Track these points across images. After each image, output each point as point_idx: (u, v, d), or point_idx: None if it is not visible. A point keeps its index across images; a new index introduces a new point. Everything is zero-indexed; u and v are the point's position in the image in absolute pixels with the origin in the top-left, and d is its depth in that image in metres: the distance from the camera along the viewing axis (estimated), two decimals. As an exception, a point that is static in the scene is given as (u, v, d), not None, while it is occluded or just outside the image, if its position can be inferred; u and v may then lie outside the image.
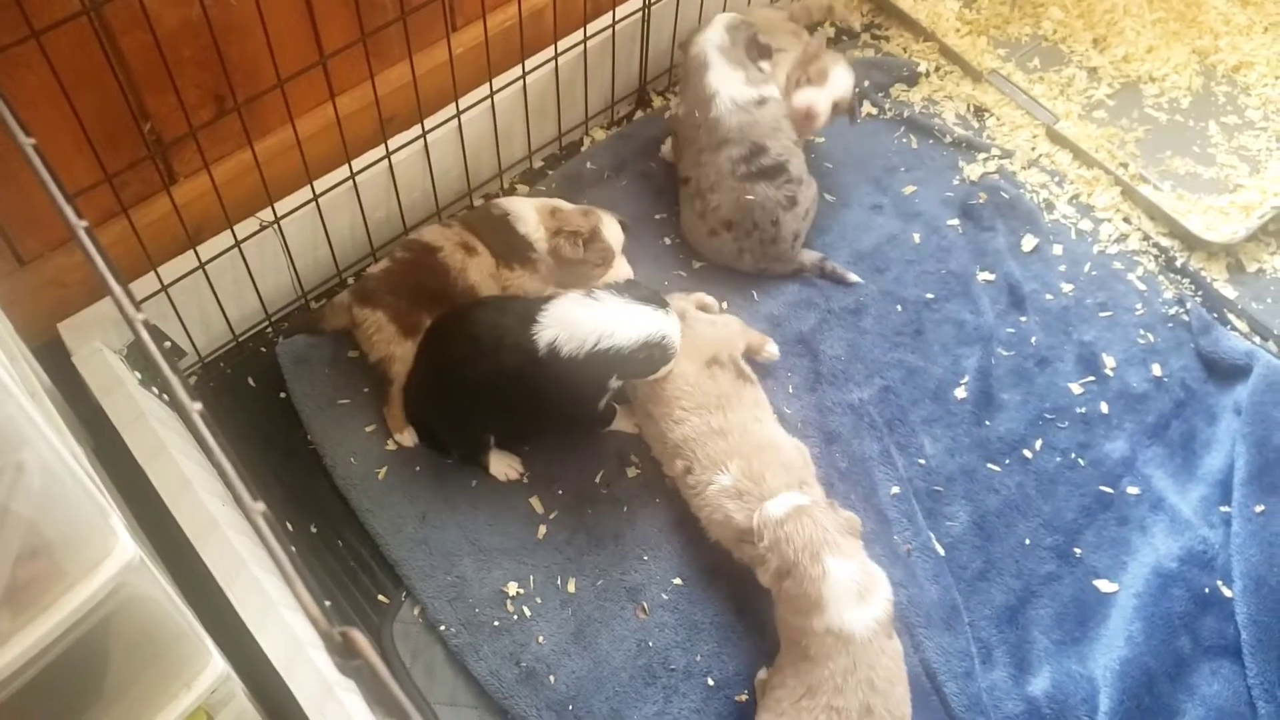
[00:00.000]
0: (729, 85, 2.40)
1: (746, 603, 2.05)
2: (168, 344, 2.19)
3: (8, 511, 1.06)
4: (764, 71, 2.48)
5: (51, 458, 1.09)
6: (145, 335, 0.71)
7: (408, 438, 2.21)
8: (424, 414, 2.20)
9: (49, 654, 1.18)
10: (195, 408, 0.70)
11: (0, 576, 1.10)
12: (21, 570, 1.12)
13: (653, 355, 1.98)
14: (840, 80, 2.52)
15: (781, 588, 1.82)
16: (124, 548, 1.20)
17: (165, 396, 2.12)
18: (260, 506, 0.66)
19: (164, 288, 2.06)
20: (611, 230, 2.29)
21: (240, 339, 2.34)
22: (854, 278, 2.48)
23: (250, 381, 2.31)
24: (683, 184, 2.49)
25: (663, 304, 2.00)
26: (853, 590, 1.77)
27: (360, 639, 0.58)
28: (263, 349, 2.35)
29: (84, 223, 0.80)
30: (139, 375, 2.08)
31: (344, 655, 0.58)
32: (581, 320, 1.97)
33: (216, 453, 0.68)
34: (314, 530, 2.15)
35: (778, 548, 1.80)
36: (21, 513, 1.08)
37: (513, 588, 2.05)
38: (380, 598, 2.08)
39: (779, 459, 2.02)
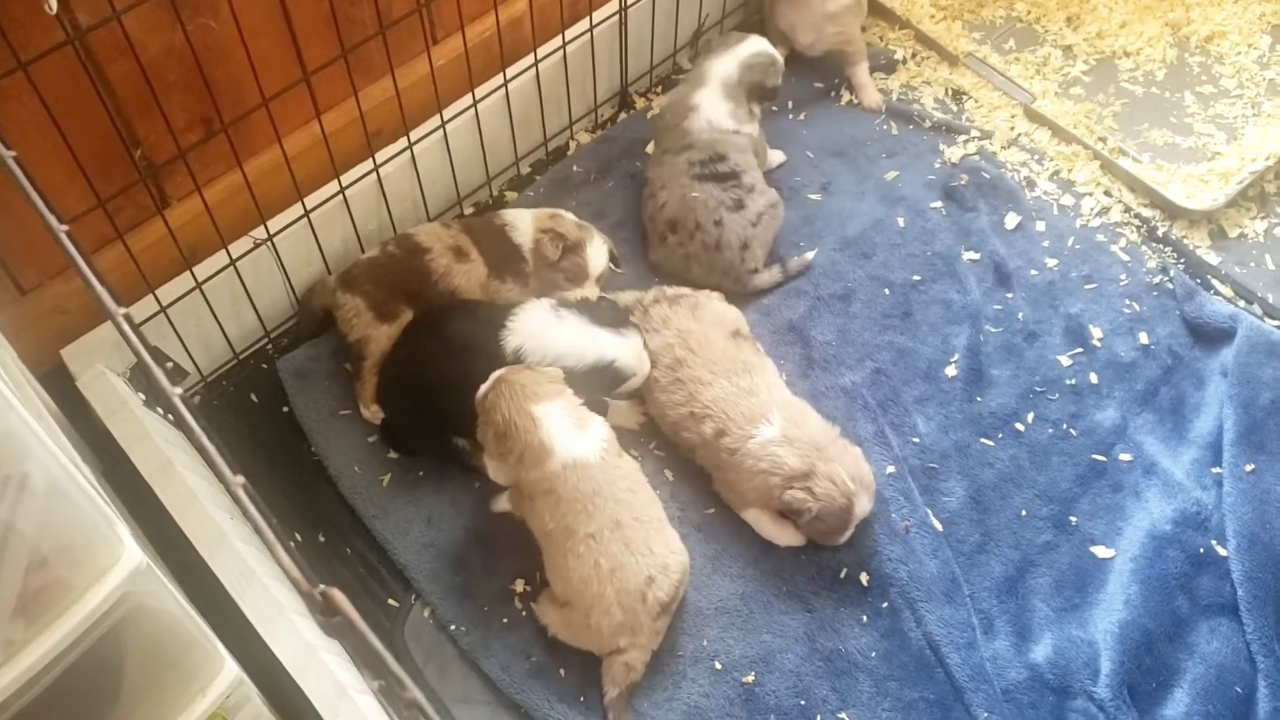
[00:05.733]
0: (712, 109, 2.48)
1: (750, 586, 2.09)
2: (169, 364, 2.22)
3: (14, 522, 1.10)
4: (754, 113, 2.54)
5: (55, 468, 1.13)
6: (109, 302, 0.74)
7: (374, 413, 2.28)
8: (392, 414, 2.25)
9: (64, 660, 1.22)
10: (176, 392, 0.74)
11: (12, 586, 1.14)
12: (32, 579, 1.15)
13: (604, 378, 2.08)
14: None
15: (509, 450, 1.95)
16: (130, 554, 1.24)
17: (170, 417, 2.17)
18: (240, 479, 0.70)
19: (163, 309, 2.11)
20: (595, 251, 2.32)
21: (241, 356, 2.38)
22: (809, 256, 2.51)
23: (253, 397, 2.36)
24: (644, 184, 2.54)
25: (625, 325, 2.10)
26: (568, 425, 1.93)
27: (339, 596, 0.62)
28: (263, 365, 2.39)
29: (65, 226, 0.84)
30: (143, 396, 2.12)
31: (325, 613, 0.62)
32: (544, 335, 2.08)
33: (196, 431, 0.71)
34: (322, 539, 2.19)
35: (489, 418, 1.95)
36: (28, 523, 1.12)
37: (520, 584, 2.09)
38: (391, 601, 2.12)
39: (811, 413, 2.14)
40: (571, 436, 1.93)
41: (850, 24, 2.82)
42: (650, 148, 2.72)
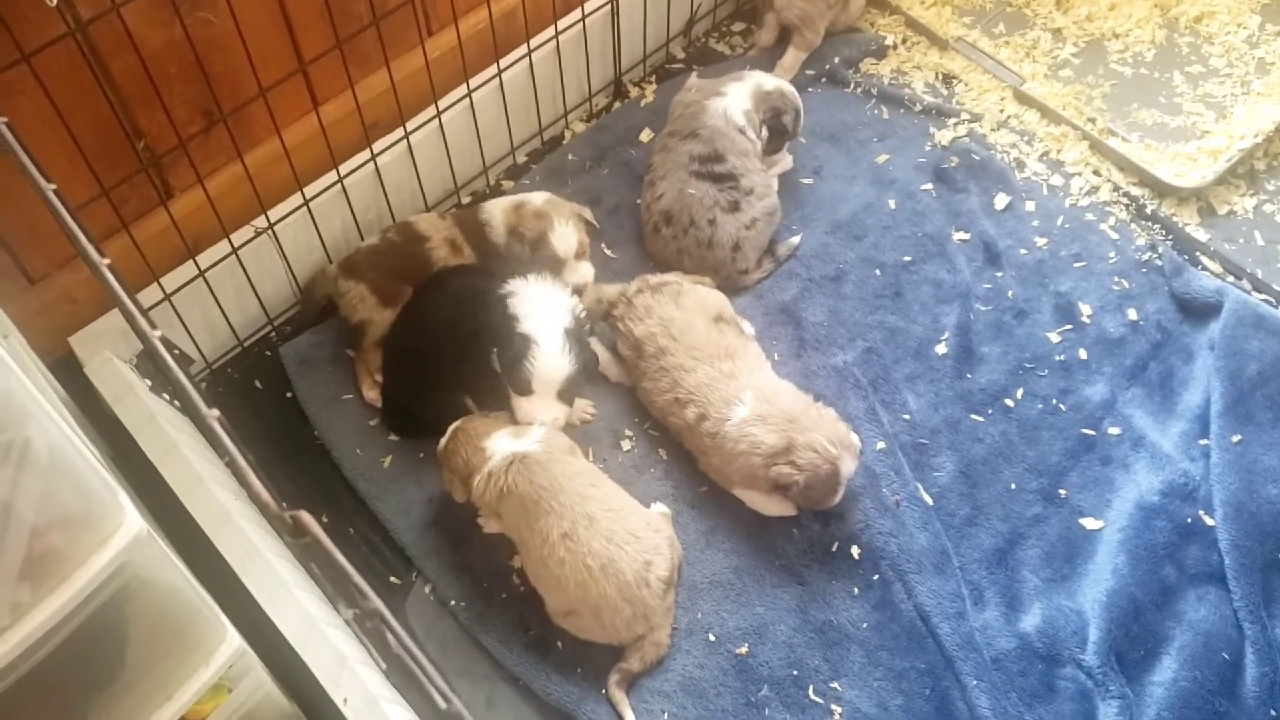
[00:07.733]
0: (736, 101, 2.52)
1: (743, 560, 2.13)
2: (175, 352, 2.28)
3: (19, 486, 1.15)
4: (762, 135, 2.56)
5: (56, 434, 1.17)
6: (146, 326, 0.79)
7: (375, 397, 2.34)
8: (398, 387, 2.30)
9: (70, 624, 1.26)
10: (157, 333, 0.79)
11: (18, 549, 1.19)
12: (37, 543, 1.20)
13: (517, 357, 2.09)
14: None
15: (469, 484, 2.04)
16: (132, 521, 1.29)
17: (177, 403, 2.22)
18: (215, 412, 0.74)
19: (167, 297, 2.16)
20: (562, 236, 2.32)
21: (245, 344, 2.44)
22: (795, 241, 2.55)
23: (257, 384, 2.41)
24: (647, 170, 2.57)
25: (580, 347, 2.13)
26: (506, 436, 2.03)
27: (308, 518, 0.66)
28: (267, 352, 2.45)
29: (106, 260, 0.88)
30: (149, 382, 2.17)
31: (294, 535, 0.66)
32: (532, 300, 2.14)
33: (172, 368, 0.76)
34: (325, 521, 2.23)
35: (450, 463, 2.07)
36: (32, 487, 1.16)
37: (518, 560, 2.13)
38: (393, 579, 2.17)
39: (785, 388, 2.17)
40: (508, 441, 2.02)
41: (818, 8, 2.87)
42: (644, 135, 2.77)
